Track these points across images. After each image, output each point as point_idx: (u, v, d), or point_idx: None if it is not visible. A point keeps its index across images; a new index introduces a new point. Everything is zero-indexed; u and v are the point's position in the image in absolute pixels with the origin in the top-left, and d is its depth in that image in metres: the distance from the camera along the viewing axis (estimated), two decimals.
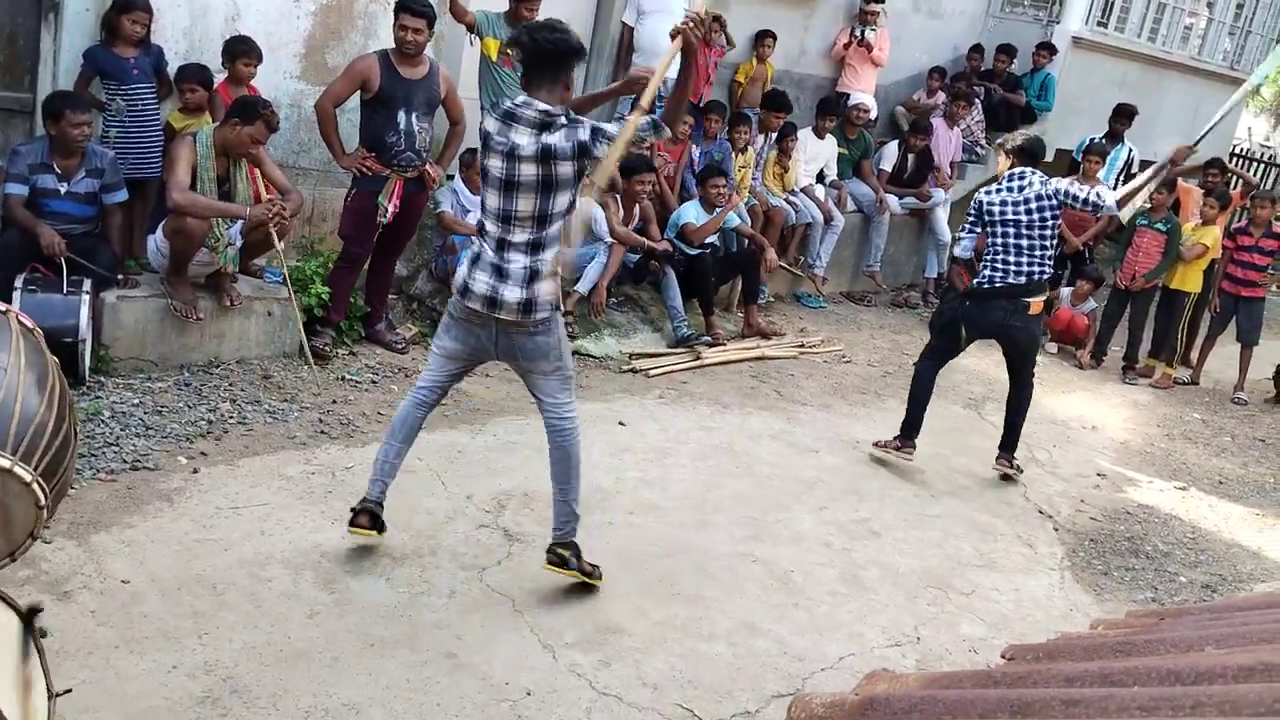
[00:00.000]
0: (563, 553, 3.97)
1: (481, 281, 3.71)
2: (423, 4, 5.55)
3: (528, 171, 3.59)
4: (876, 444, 5.93)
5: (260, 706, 3.15)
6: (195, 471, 4.42)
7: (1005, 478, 5.94)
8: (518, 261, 3.68)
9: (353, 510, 3.99)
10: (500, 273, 3.69)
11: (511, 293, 3.68)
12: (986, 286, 5.62)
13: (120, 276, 5.27)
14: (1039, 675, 1.35)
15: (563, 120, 3.59)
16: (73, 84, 5.42)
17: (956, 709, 1.21)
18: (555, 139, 3.55)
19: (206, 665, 3.27)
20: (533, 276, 3.68)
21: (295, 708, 3.16)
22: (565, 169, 3.59)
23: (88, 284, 4.94)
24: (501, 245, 3.70)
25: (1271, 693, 1.10)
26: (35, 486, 1.99)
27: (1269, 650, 1.31)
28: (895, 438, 5.87)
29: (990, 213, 5.58)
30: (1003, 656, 1.57)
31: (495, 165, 3.64)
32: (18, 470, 1.97)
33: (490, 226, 3.72)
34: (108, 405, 4.78)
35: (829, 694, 1.34)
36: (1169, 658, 1.35)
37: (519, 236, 3.67)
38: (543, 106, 3.59)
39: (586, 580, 4.02)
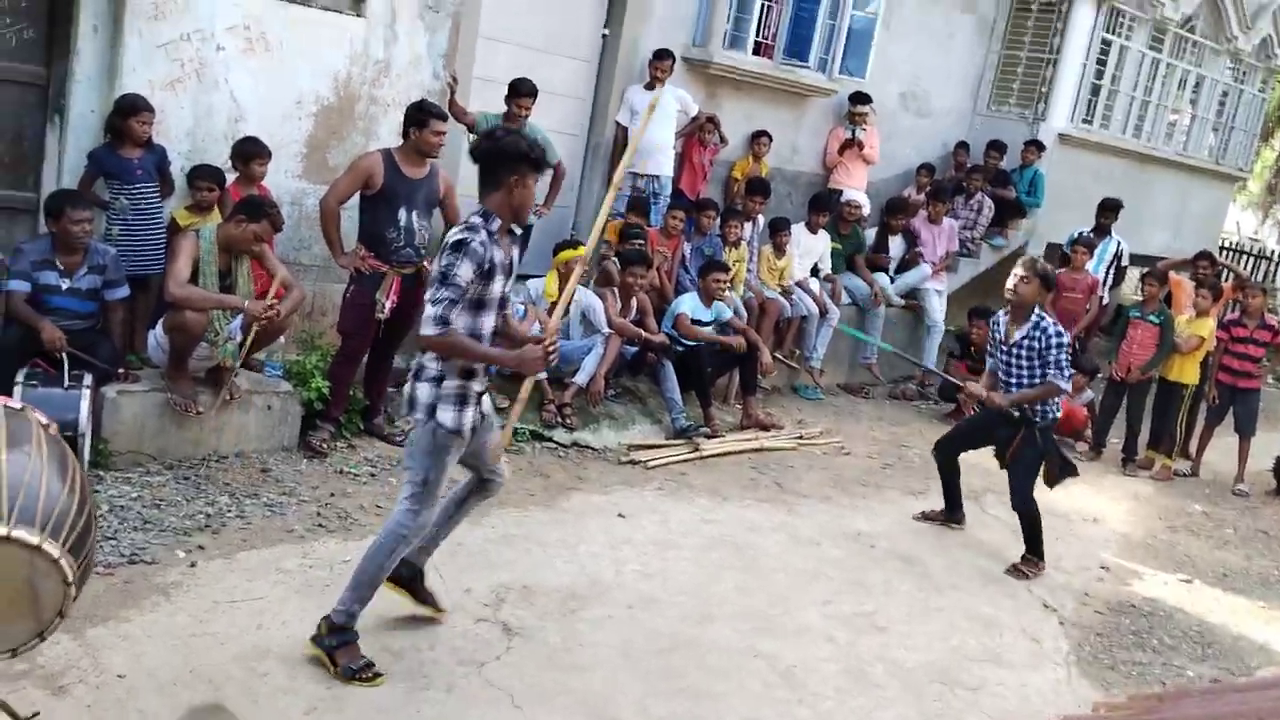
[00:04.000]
0: (320, 624, 3.82)
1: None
2: (443, 110, 6.03)
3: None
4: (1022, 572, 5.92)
5: None
6: (193, 565, 4.38)
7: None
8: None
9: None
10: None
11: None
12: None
13: (121, 371, 5.28)
14: None
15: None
16: (77, 183, 5.51)
17: None
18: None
19: None
20: (418, 372, 3.79)
21: None
22: None
23: (88, 378, 4.95)
24: None
25: None
26: (63, 563, 2.09)
27: None
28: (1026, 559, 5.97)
29: None
30: None
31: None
32: (46, 546, 2.05)
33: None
34: (105, 499, 4.76)
35: None
36: None
37: None
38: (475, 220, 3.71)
39: (330, 665, 3.74)
